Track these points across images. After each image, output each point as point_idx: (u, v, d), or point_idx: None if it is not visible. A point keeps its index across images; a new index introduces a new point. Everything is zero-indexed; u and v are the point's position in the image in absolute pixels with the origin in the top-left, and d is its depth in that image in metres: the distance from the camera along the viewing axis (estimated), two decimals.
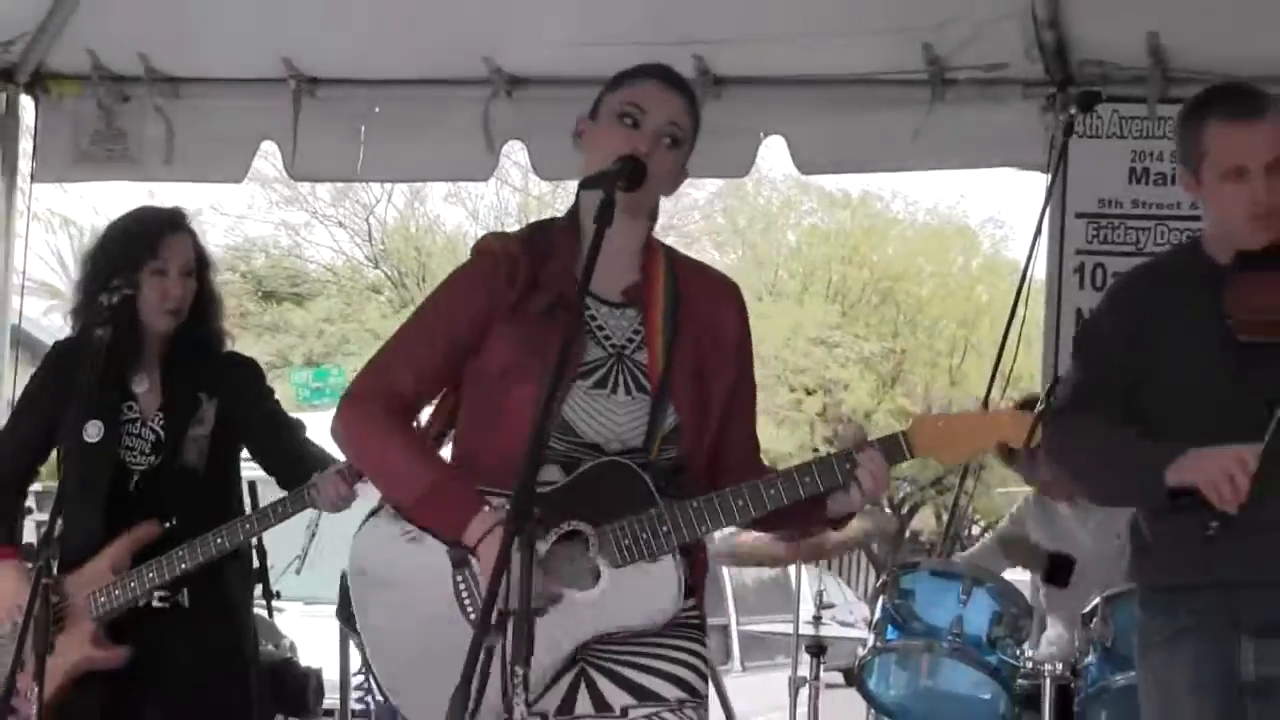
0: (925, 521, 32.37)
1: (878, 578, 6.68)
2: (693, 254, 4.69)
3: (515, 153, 8.23)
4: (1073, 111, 7.57)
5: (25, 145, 8.64)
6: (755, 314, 4.86)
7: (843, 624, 7.57)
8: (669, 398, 4.25)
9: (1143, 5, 7.63)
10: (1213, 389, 4.81)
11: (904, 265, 31.37)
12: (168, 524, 5.79)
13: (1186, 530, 4.80)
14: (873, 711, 6.57)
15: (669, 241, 4.58)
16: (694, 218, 29.34)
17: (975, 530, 25.87)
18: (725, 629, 10.82)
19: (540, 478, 3.96)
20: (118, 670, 5.79)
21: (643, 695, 4.25)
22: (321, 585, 7.94)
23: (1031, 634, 6.43)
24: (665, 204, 4.50)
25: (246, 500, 6.33)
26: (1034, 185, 7.92)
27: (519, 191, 26.18)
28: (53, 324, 12.40)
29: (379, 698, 7.25)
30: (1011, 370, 6.88)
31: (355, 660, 7.70)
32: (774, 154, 8.14)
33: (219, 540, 5.67)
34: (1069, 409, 4.90)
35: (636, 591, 4.17)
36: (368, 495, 5.11)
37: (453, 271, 4.50)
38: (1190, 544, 4.81)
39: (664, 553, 4.13)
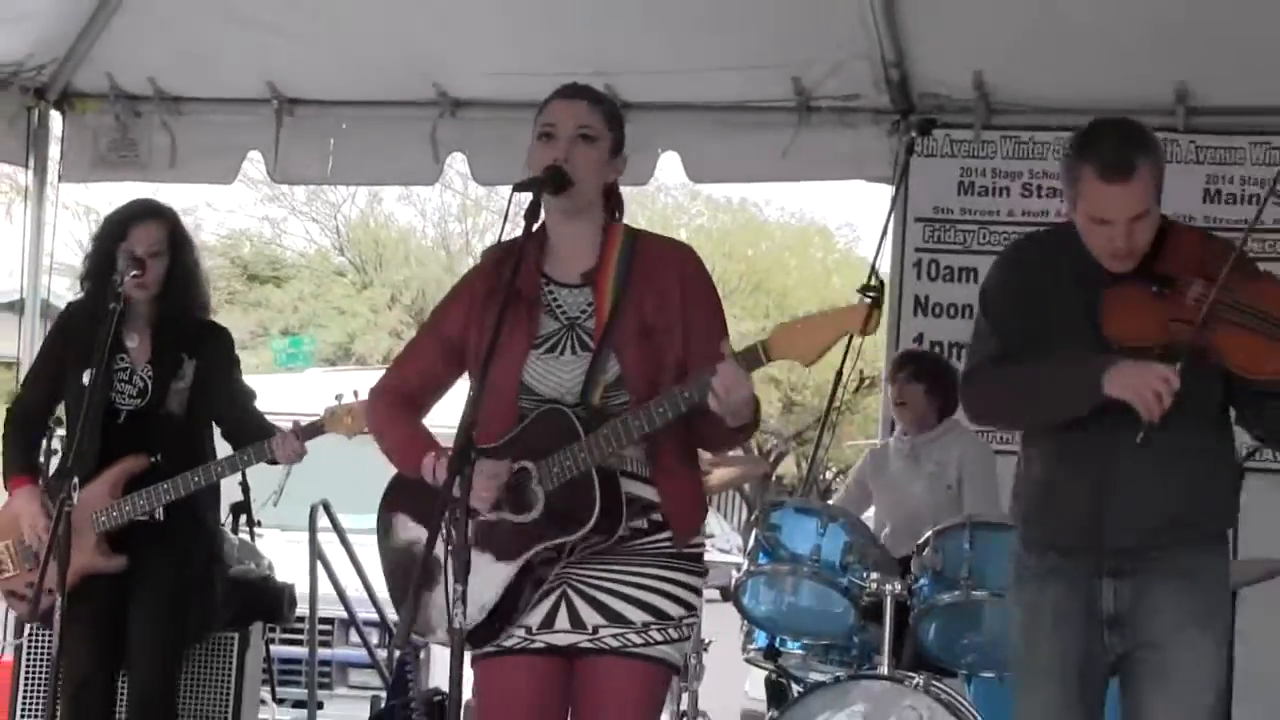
0: (788, 468, 32.39)
1: (750, 514, 6.68)
2: None
3: (457, 163, 8.20)
4: (913, 135, 7.64)
5: (54, 152, 8.63)
6: None
7: (721, 551, 7.61)
8: (609, 354, 4.22)
9: (969, 48, 7.71)
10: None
11: (774, 260, 31.46)
12: (153, 459, 5.83)
13: (1057, 485, 4.82)
14: (745, 623, 6.56)
15: None
16: None
17: (829, 475, 25.96)
18: None
19: (512, 431, 4.20)
20: (118, 574, 5.85)
21: (612, 618, 4.22)
22: (295, 516, 7.96)
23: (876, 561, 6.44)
24: None
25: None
26: (881, 195, 7.94)
27: (460, 194, 26.17)
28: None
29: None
30: (862, 344, 6.93)
31: (322, 577, 7.74)
32: (670, 166, 8.18)
33: (196, 478, 5.79)
34: (987, 364, 4.87)
35: (564, 511, 4.16)
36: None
37: (455, 284, 4.57)
38: (1059, 497, 4.82)
39: (583, 475, 4.12)
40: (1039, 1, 7.26)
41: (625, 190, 4.50)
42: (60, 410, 6.07)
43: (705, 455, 6.27)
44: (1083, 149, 4.60)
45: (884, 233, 7.69)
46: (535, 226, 4.17)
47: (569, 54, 6.23)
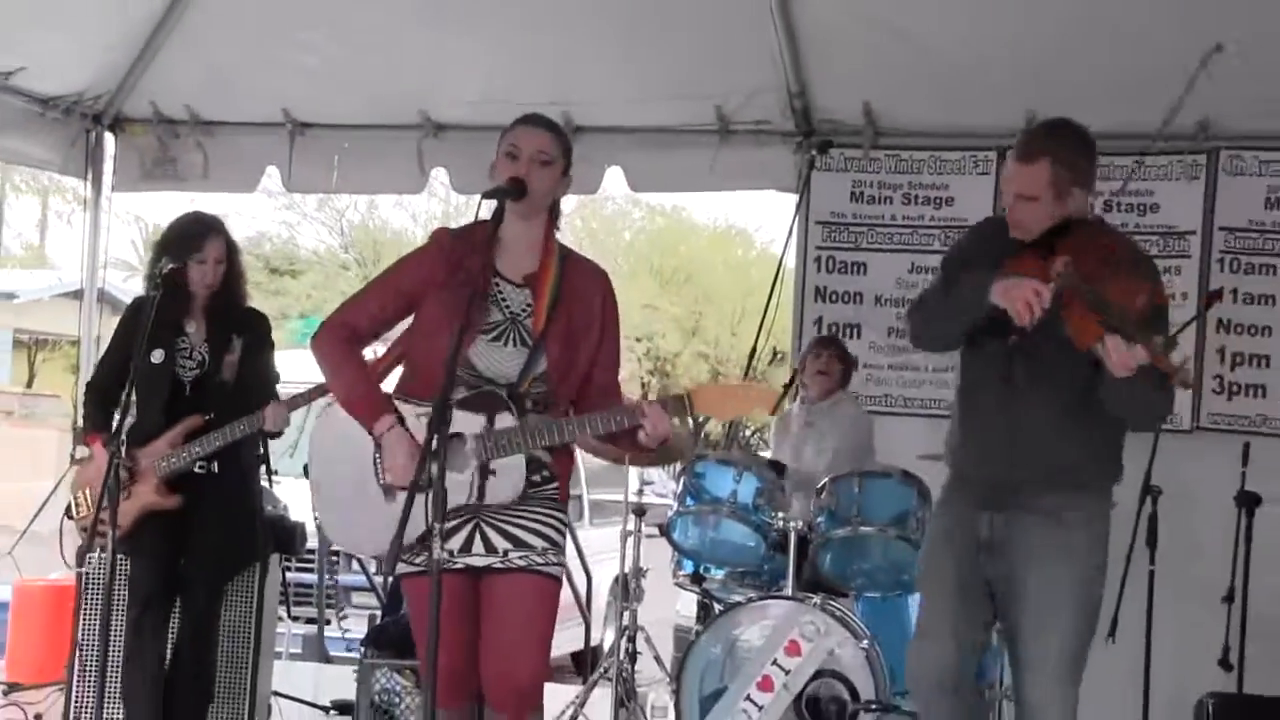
0: (714, 427, 32.41)
1: (681, 465, 6.68)
2: None
3: (440, 175, 8.16)
4: (814, 153, 7.64)
5: (107, 167, 8.55)
6: None
7: (659, 495, 7.58)
8: (541, 352, 4.31)
9: (859, 83, 7.69)
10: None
11: (702, 256, 31.42)
12: (207, 418, 5.85)
13: (968, 433, 4.88)
14: (676, 554, 6.57)
15: None
16: (562, 222, 29.35)
17: (748, 433, 25.95)
18: (579, 497, 10.77)
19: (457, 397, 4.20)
20: (170, 512, 5.84)
21: (517, 544, 4.32)
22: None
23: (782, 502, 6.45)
24: None
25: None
26: (788, 202, 7.89)
27: (442, 201, 26.06)
28: (129, 288, 12.14)
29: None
30: (772, 325, 6.95)
31: None
32: (614, 178, 8.14)
33: (216, 438, 5.82)
34: (926, 294, 5.03)
35: (494, 480, 4.27)
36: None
37: (412, 250, 4.54)
38: (968, 446, 4.88)
39: (512, 455, 4.25)
40: (915, 44, 7.22)
41: (578, 198, 4.60)
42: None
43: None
44: (1018, 140, 4.80)
45: (790, 233, 7.86)
46: (496, 225, 4.25)
47: (532, 86, 6.24)
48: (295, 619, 8.68)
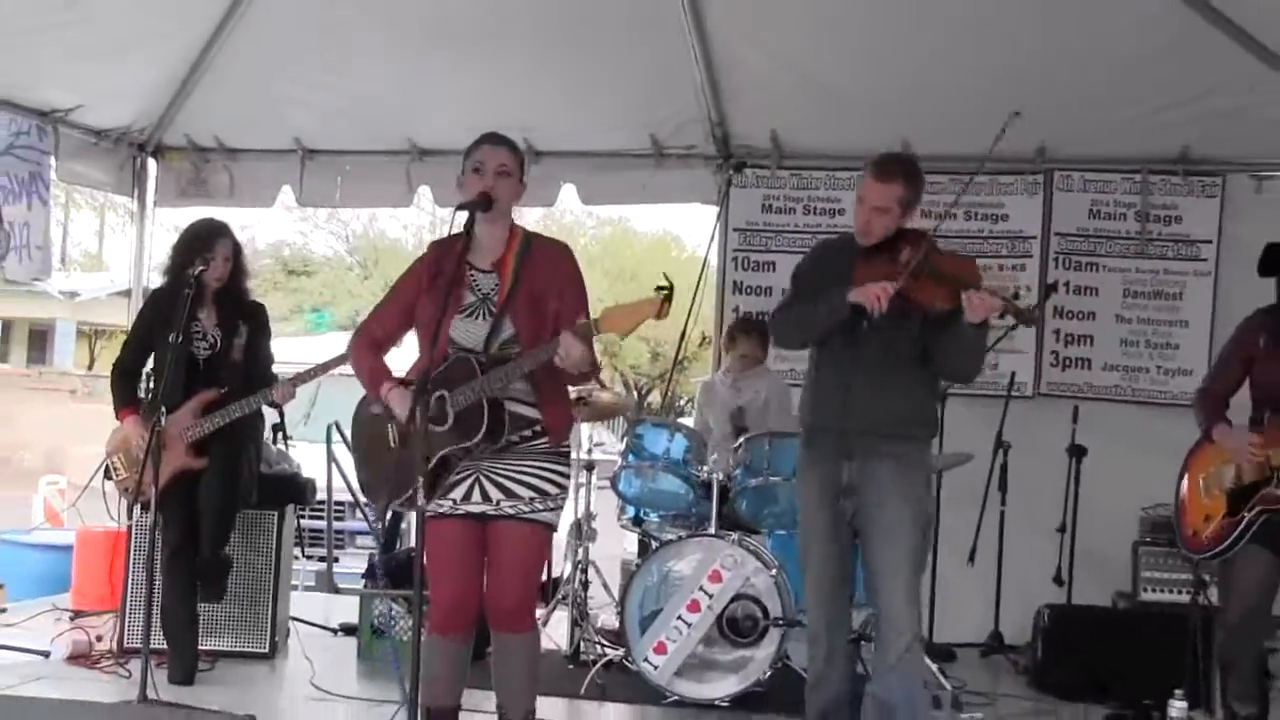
0: (655, 398, 32.49)
1: (627, 427, 6.67)
2: None
3: (425, 192, 8.11)
4: (731, 173, 7.76)
5: (150, 187, 8.46)
6: None
7: (606, 453, 7.55)
8: (504, 322, 4.30)
9: (767, 115, 7.68)
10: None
11: (642, 259, 31.31)
12: (222, 391, 5.87)
13: (824, 396, 4.89)
14: (620, 502, 6.55)
15: None
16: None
17: (682, 402, 25.95)
18: None
19: (440, 368, 4.24)
20: (191, 473, 5.88)
21: (508, 494, 4.32)
22: (316, 432, 7.76)
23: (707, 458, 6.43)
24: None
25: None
26: (711, 213, 7.88)
27: (428, 214, 25.87)
28: None
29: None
30: (699, 313, 6.95)
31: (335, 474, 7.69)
32: (569, 193, 8.08)
33: (236, 408, 5.87)
34: (784, 306, 5.09)
35: (466, 425, 4.25)
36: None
37: (409, 266, 4.55)
38: (824, 404, 4.89)
39: (478, 403, 4.23)
40: (812, 83, 7.25)
41: (538, 210, 4.60)
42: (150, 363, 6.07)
43: (599, 391, 6.61)
44: (872, 162, 4.83)
45: (712, 239, 7.90)
46: (469, 233, 4.31)
47: (501, 118, 6.12)
48: (309, 558, 8.63)
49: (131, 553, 6.33)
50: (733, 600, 5.86)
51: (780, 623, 5.81)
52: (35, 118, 7.34)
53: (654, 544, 6.26)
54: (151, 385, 5.93)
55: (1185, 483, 5.06)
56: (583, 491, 6.70)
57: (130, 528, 6.40)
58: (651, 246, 31.96)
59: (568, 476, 4.46)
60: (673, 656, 5.86)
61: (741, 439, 6.34)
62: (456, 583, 4.32)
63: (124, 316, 8.79)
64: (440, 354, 4.25)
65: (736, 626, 5.87)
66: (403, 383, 4.35)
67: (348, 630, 6.91)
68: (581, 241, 31.18)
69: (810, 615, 5.07)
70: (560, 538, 6.28)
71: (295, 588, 7.17)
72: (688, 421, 7.75)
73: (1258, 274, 4.89)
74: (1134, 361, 7.56)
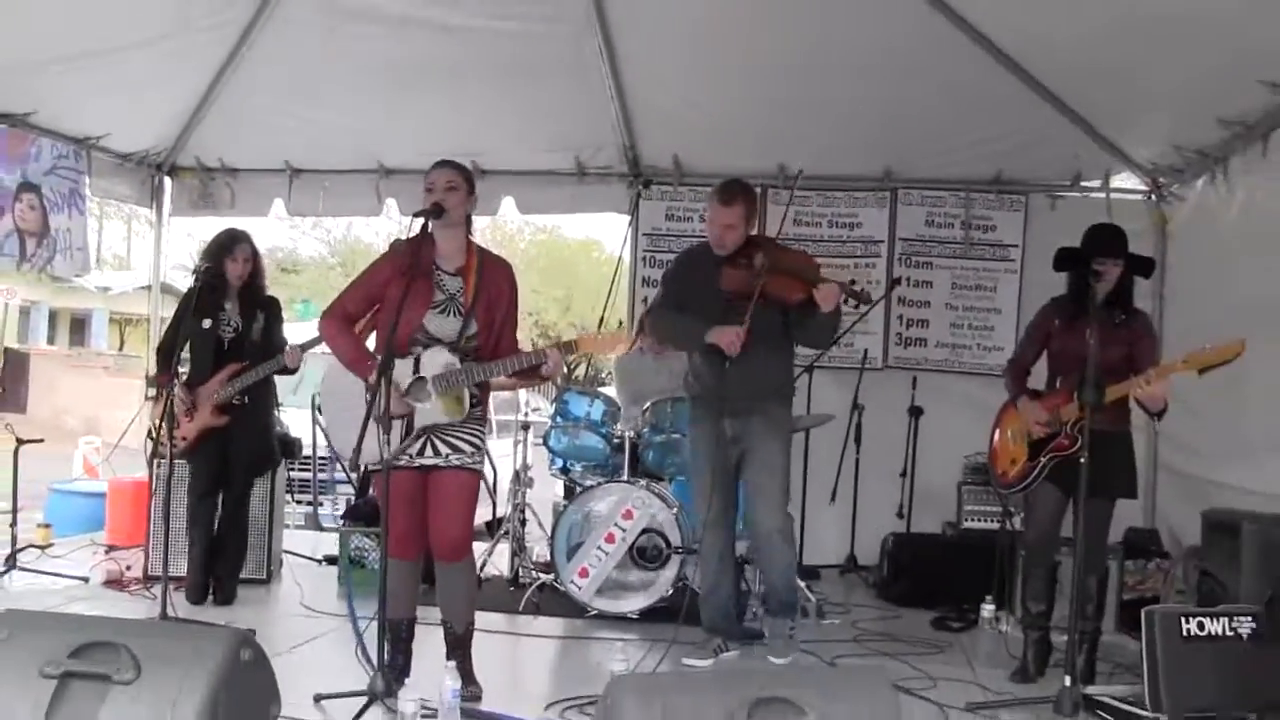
0: (579, 371, 32.36)
1: (556, 394, 6.65)
2: None
3: (391, 204, 7.98)
4: (641, 189, 7.72)
5: (166, 199, 8.26)
6: None
7: (538, 416, 7.53)
8: (472, 320, 4.29)
9: (669, 141, 7.66)
10: (713, 306, 4.94)
11: (570, 260, 31.16)
12: (244, 364, 5.82)
13: (705, 373, 4.98)
14: (550, 455, 6.55)
15: None
16: (474, 237, 29.33)
17: (603, 375, 25.86)
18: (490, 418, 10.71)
19: (415, 354, 4.26)
20: (218, 431, 5.84)
21: (455, 449, 4.32)
22: (304, 400, 7.82)
23: (621, 419, 6.44)
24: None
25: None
26: (625, 221, 7.89)
27: (395, 222, 25.50)
28: (184, 283, 11.92)
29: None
30: (614, 302, 6.95)
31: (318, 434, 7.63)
32: (508, 204, 7.98)
33: (255, 372, 5.82)
34: (660, 307, 5.19)
35: (444, 407, 4.24)
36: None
37: (377, 257, 4.47)
38: (706, 378, 4.99)
39: (458, 390, 4.24)
40: (704, 115, 7.24)
41: (483, 218, 4.55)
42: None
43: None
44: (717, 190, 5.00)
45: (625, 242, 7.94)
46: (425, 235, 4.27)
47: (453, 143, 6.10)
48: (298, 502, 8.57)
49: (154, 499, 6.25)
50: (641, 533, 5.89)
51: (680, 551, 5.85)
52: (73, 144, 7.22)
53: (578, 489, 6.26)
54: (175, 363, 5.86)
55: (996, 435, 5.14)
56: (520, 447, 6.69)
57: (153, 476, 6.32)
58: (578, 249, 31.75)
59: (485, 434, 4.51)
60: (593, 579, 5.89)
61: (648, 403, 6.36)
62: (409, 518, 4.33)
63: (146, 307, 8.71)
64: (405, 336, 4.22)
65: (644, 554, 5.90)
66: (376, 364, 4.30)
67: (330, 560, 6.86)
68: (521, 245, 30.98)
69: (704, 539, 5.12)
70: (503, 485, 6.33)
71: (287, 527, 7.08)
72: (607, 391, 7.75)
73: (1053, 270, 4.97)
74: (959, 340, 7.64)
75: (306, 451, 8.14)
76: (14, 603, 3.56)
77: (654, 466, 6.26)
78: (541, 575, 6.35)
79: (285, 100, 7.41)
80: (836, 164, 7.50)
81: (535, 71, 6.89)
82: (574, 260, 31.19)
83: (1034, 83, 6.36)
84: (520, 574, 6.53)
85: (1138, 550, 6.06)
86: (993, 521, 6.74)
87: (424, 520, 4.34)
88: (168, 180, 8.24)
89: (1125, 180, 7.24)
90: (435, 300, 4.28)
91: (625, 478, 6.08)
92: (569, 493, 6.51)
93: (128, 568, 6.29)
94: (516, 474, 6.67)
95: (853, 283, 5.03)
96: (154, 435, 6.04)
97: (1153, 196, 7.13)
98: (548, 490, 7.50)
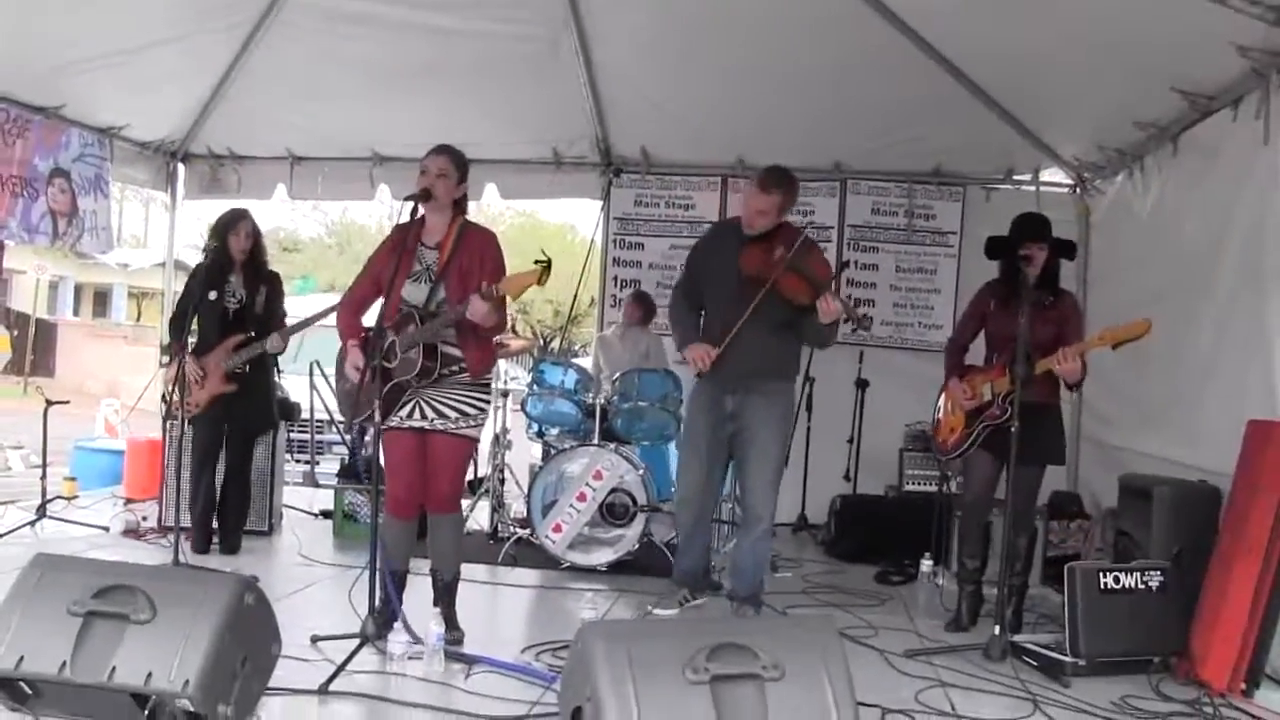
0: (555, 343, 32.40)
1: (533, 364, 6.59)
2: None
3: (384, 189, 7.91)
4: (612, 177, 7.65)
5: (180, 184, 8.14)
6: None
7: (518, 384, 7.46)
8: (440, 286, 4.18)
9: (638, 134, 7.59)
10: (727, 286, 4.78)
11: (550, 241, 30.62)
12: (249, 335, 5.72)
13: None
14: (528, 420, 6.49)
15: None
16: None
17: (576, 346, 25.80)
18: None
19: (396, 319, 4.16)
20: (228, 395, 5.72)
21: (440, 415, 4.21)
22: (302, 367, 7.74)
23: (595, 390, 6.39)
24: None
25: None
26: (597, 206, 7.84)
27: (386, 205, 25.37)
28: (196, 260, 11.87)
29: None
30: (587, 281, 6.88)
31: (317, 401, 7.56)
32: (491, 191, 7.88)
33: (254, 347, 5.69)
34: (678, 290, 5.04)
35: (408, 364, 4.16)
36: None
37: (378, 245, 4.40)
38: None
39: (417, 346, 4.14)
40: (669, 111, 7.16)
41: (473, 204, 4.42)
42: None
43: (513, 338, 6.44)
44: (759, 174, 4.78)
45: (597, 226, 7.88)
46: (417, 217, 4.23)
47: (441, 133, 5.96)
48: (297, 461, 8.49)
49: (166, 456, 6.19)
50: (610, 493, 5.84)
51: (645, 509, 5.82)
52: (97, 134, 7.19)
53: (553, 452, 6.22)
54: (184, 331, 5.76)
55: (941, 405, 5.14)
56: (500, 413, 6.64)
57: (166, 437, 6.26)
58: (555, 232, 31.57)
59: (488, 401, 4.33)
60: (566, 534, 5.84)
61: (618, 373, 6.31)
62: (405, 478, 4.25)
63: (161, 281, 8.64)
64: (394, 307, 4.15)
65: (613, 511, 5.86)
66: (363, 340, 4.22)
67: (326, 515, 6.80)
68: (501, 228, 30.79)
69: (682, 509, 5.04)
70: (484, 447, 6.29)
71: (287, 483, 7.01)
72: (581, 362, 7.70)
73: (986, 257, 4.95)
74: (902, 319, 7.65)
75: (305, 414, 8.05)
76: (44, 548, 3.55)
77: (622, 432, 6.22)
78: (519, 530, 6.31)
79: (288, 95, 7.30)
80: (791, 157, 7.19)
81: (517, 71, 6.82)
82: (553, 243, 30.97)
83: (972, 86, 6.34)
84: (499, 529, 6.48)
85: (1061, 511, 6.09)
86: (931, 485, 6.75)
87: (420, 480, 4.26)
88: (181, 167, 8.12)
89: (1053, 174, 7.24)
90: (413, 270, 4.21)
91: (596, 442, 6.03)
92: (544, 455, 6.47)
93: (144, 518, 6.25)
94: (496, 437, 6.62)
95: (856, 306, 4.96)
96: (166, 398, 5.97)
97: (1077, 190, 7.15)
98: (525, 453, 7.47)
